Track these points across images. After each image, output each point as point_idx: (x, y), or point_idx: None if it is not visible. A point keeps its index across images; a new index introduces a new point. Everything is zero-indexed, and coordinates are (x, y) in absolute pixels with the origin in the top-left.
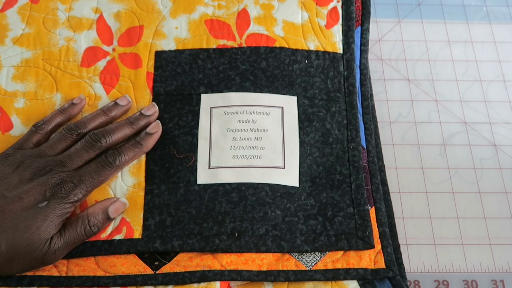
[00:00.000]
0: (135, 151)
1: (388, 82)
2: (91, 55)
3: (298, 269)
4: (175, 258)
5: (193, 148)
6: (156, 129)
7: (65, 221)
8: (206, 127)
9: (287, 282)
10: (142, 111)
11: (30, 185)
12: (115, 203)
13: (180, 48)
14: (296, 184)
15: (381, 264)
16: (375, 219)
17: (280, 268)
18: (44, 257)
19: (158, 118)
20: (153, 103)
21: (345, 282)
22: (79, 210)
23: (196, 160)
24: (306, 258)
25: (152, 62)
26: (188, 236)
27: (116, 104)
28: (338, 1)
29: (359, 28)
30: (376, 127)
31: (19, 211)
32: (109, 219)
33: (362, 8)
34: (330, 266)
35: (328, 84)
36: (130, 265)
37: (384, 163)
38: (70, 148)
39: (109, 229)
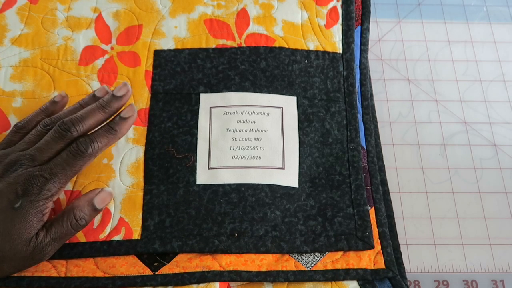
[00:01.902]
0: (108, 138)
1: (388, 82)
2: (89, 53)
3: (298, 269)
4: (174, 259)
5: (192, 148)
6: (130, 113)
7: (46, 217)
8: (205, 127)
9: (286, 283)
10: (113, 92)
11: (1, 185)
12: (100, 193)
13: (179, 47)
14: (296, 184)
15: (381, 265)
16: (374, 220)
17: (280, 269)
18: (32, 255)
19: (156, 117)
20: (125, 82)
21: (344, 282)
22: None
23: (195, 160)
24: (306, 258)
25: (151, 60)
26: (187, 237)
27: (94, 96)
28: (338, 1)
29: (359, 28)
30: (376, 127)
31: None
32: (96, 210)
33: (362, 7)
34: (329, 267)
35: (328, 84)
36: (129, 266)
37: (384, 163)
38: (39, 142)
39: (108, 230)
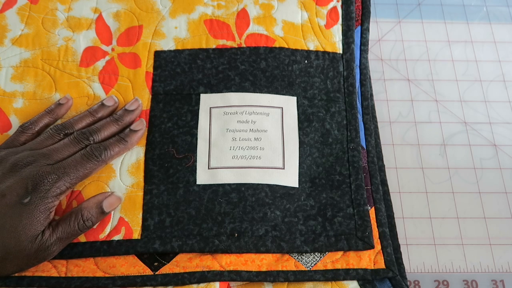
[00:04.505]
0: (120, 147)
1: (388, 82)
2: (90, 55)
3: (298, 269)
4: (174, 259)
5: (192, 148)
6: (140, 126)
7: (52, 215)
8: (205, 127)
9: (286, 283)
10: (126, 107)
11: (12, 179)
12: (109, 197)
13: (179, 48)
14: (296, 184)
15: (381, 265)
16: (375, 220)
17: (280, 269)
18: (36, 253)
19: (156, 117)
20: (136, 97)
21: (345, 282)
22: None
23: (195, 160)
24: (306, 258)
25: (151, 61)
26: (187, 237)
27: (102, 105)
28: (338, 1)
29: (359, 28)
30: (376, 127)
31: (4, 209)
32: (103, 213)
33: (362, 7)
34: (329, 267)
35: (328, 84)
36: (130, 265)
37: (384, 163)
38: (56, 143)
39: (108, 229)
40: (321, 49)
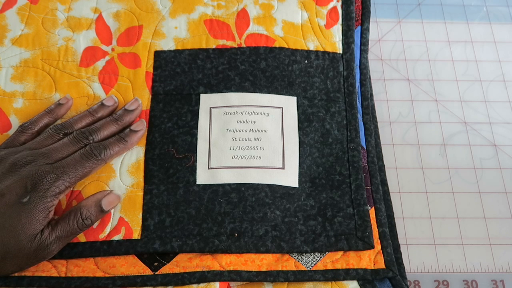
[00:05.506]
0: (120, 147)
1: (388, 82)
2: (90, 55)
3: (298, 269)
4: (174, 259)
5: (192, 148)
6: (140, 127)
7: (51, 214)
8: (205, 127)
9: (286, 283)
10: (125, 107)
11: (12, 179)
12: (108, 195)
13: (179, 48)
14: (296, 184)
15: (381, 265)
16: (375, 220)
17: (280, 269)
18: (36, 252)
19: (156, 117)
20: (136, 97)
21: (345, 282)
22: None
23: (195, 160)
24: (306, 258)
25: (151, 62)
26: (187, 237)
27: (102, 105)
28: (338, 1)
29: (359, 28)
30: (376, 127)
31: (3, 209)
32: (102, 211)
33: (362, 7)
34: (329, 267)
35: (328, 84)
36: (130, 265)
37: (384, 163)
38: (56, 143)
39: (107, 229)
40: (321, 49)
